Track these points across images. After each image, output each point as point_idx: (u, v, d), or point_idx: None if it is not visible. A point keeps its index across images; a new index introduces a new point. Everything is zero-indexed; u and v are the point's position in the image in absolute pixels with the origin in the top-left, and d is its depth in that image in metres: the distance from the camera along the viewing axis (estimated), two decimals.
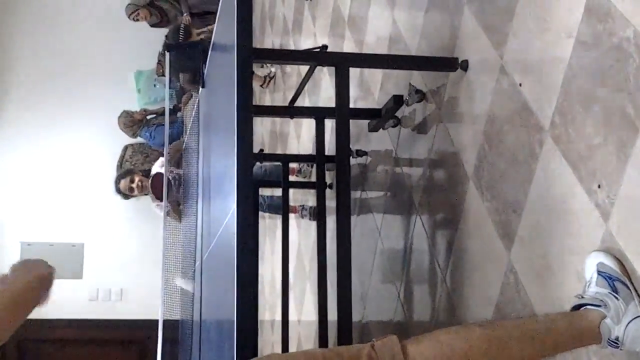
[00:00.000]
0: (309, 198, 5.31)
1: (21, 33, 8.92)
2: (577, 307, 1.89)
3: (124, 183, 6.24)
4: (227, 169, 2.77)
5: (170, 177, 5.92)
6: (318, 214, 3.67)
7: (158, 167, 6.41)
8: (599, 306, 1.82)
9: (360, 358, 1.66)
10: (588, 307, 1.84)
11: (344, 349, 1.79)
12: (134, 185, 6.19)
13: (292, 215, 5.27)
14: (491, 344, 1.74)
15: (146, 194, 6.37)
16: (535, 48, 2.38)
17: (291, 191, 5.01)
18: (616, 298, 1.82)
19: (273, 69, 6.73)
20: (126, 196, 6.40)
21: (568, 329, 1.82)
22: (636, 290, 1.85)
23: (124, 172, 6.57)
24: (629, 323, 1.78)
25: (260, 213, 5.61)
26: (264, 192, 5.67)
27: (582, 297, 1.88)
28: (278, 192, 5.43)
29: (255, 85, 6.83)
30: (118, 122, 7.92)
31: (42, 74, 8.81)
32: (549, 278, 2.22)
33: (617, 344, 1.78)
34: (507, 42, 2.54)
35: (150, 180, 6.17)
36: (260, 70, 6.92)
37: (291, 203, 4.95)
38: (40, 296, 1.65)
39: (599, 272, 1.90)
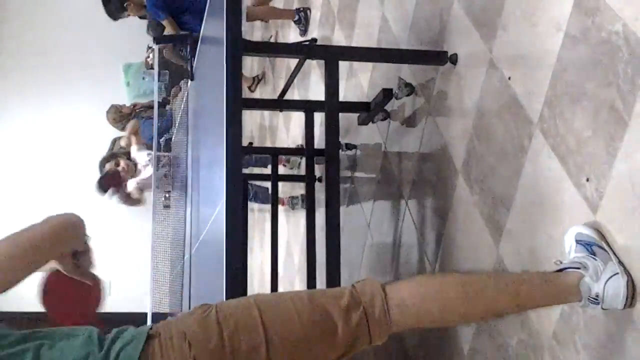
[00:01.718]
0: (297, 191, 5.31)
1: (8, 26, 8.87)
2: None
3: (109, 167, 6.22)
4: (217, 161, 2.77)
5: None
6: (307, 208, 3.67)
7: (135, 150, 6.41)
8: (577, 269, 1.84)
9: (343, 295, 1.70)
10: (567, 270, 1.86)
11: (326, 289, 1.86)
12: (119, 169, 6.18)
13: (281, 208, 5.27)
14: (465, 287, 1.78)
15: (132, 177, 6.36)
16: (524, 42, 2.38)
17: (280, 185, 5.01)
18: (594, 259, 1.84)
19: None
20: None
21: (544, 283, 1.84)
22: (614, 252, 1.87)
23: (109, 155, 6.55)
24: (607, 280, 1.80)
25: (250, 206, 5.60)
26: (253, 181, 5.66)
27: (561, 262, 1.90)
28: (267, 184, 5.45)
29: (243, 86, 6.81)
30: (107, 117, 7.89)
31: (30, 67, 8.77)
32: (537, 270, 2.23)
33: (598, 300, 1.80)
34: (497, 36, 2.55)
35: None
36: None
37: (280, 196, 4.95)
38: (65, 243, 1.70)
39: (577, 241, 1.94)
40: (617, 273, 1.81)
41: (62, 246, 1.70)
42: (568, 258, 1.94)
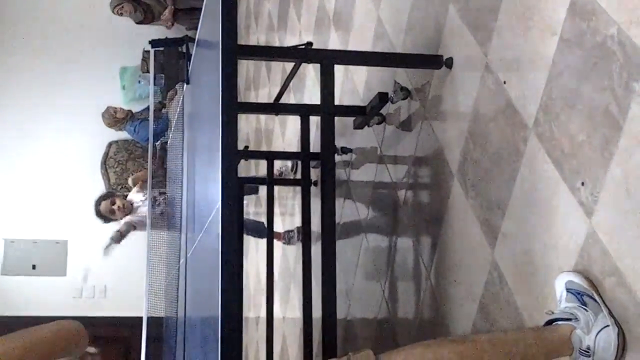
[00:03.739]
0: (294, 220, 5.31)
1: (3, 27, 8.85)
2: (548, 323, 1.94)
3: (104, 205, 6.14)
4: (212, 165, 2.77)
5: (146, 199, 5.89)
6: (302, 211, 3.66)
7: (134, 192, 6.36)
8: (569, 320, 1.87)
9: None
10: (559, 322, 1.90)
11: None
12: (115, 207, 6.11)
13: (277, 212, 5.26)
14: (463, 357, 1.79)
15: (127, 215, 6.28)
16: (519, 46, 2.39)
17: (275, 190, 5.00)
18: (585, 310, 1.87)
19: None
20: (107, 219, 6.26)
21: (538, 341, 1.88)
22: (604, 303, 1.89)
23: (105, 194, 6.48)
24: (598, 332, 1.83)
25: (246, 209, 5.59)
26: (248, 208, 5.67)
27: (553, 313, 1.93)
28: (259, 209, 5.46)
29: None
30: (102, 120, 7.89)
31: (25, 70, 8.75)
32: (532, 275, 2.23)
33: (589, 353, 1.84)
34: (492, 40, 2.55)
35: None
36: None
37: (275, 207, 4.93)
38: (62, 351, 1.72)
39: (568, 290, 1.96)
40: (608, 325, 1.84)
41: (59, 354, 1.72)
42: (559, 306, 1.96)
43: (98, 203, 6.17)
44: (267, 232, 4.41)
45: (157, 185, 6.09)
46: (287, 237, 5.31)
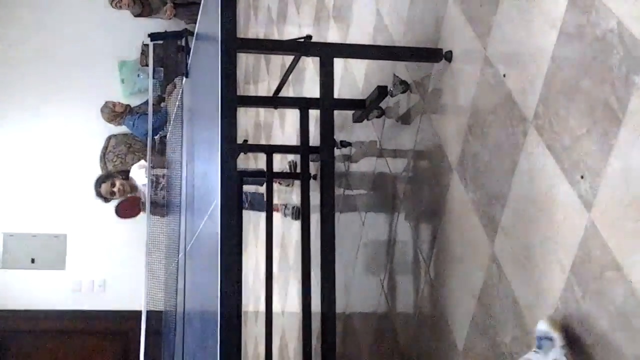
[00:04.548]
0: (292, 197, 5.31)
1: (2, 20, 8.84)
2: None
3: (105, 187, 6.12)
4: (211, 159, 2.76)
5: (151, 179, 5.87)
6: (302, 204, 3.67)
7: (136, 169, 6.32)
8: None
9: None
10: None
11: None
12: (115, 189, 6.09)
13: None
14: None
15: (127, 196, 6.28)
16: (519, 39, 2.38)
17: (276, 191, 5.01)
18: (537, 352, 1.92)
19: None
20: (107, 200, 6.27)
21: None
22: (561, 337, 1.93)
23: (105, 176, 6.44)
24: None
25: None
26: (248, 188, 5.65)
27: None
28: (261, 188, 5.45)
29: None
30: (101, 114, 7.88)
31: (24, 63, 8.74)
32: (532, 268, 2.23)
33: None
34: (491, 33, 2.55)
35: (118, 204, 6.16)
36: None
37: (275, 200, 4.93)
38: None
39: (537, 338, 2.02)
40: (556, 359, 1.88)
41: None
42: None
43: (98, 185, 6.14)
44: (266, 225, 4.41)
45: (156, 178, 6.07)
46: (284, 211, 5.31)
